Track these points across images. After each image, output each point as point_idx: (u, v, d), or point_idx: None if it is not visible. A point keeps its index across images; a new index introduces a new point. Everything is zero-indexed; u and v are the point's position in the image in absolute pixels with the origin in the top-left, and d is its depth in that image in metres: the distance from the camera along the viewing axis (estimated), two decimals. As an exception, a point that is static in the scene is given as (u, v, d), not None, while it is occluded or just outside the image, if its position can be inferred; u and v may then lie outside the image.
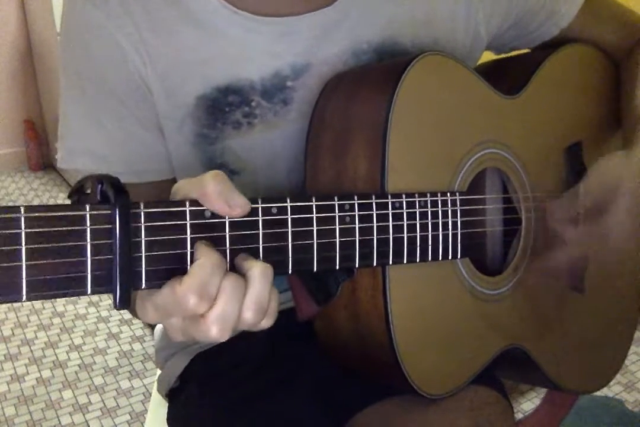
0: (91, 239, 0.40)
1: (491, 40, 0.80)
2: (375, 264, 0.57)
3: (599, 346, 0.88)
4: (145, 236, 0.43)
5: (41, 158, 3.47)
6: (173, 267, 0.44)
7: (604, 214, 0.69)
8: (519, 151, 0.74)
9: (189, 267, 0.45)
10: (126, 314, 2.14)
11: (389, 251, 0.58)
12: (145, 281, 0.43)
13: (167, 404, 0.88)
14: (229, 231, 0.46)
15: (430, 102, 0.65)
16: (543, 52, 0.82)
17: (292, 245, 0.50)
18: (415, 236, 0.60)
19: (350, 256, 0.55)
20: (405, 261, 0.60)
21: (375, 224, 0.56)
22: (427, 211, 0.61)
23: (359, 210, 0.55)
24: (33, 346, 1.99)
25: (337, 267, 0.54)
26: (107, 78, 0.67)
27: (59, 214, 0.39)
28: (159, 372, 0.92)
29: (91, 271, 0.40)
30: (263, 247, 0.48)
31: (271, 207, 0.49)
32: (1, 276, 0.37)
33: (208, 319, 0.44)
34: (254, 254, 0.48)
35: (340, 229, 0.54)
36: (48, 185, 3.31)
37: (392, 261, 0.59)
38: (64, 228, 0.39)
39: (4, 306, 2.19)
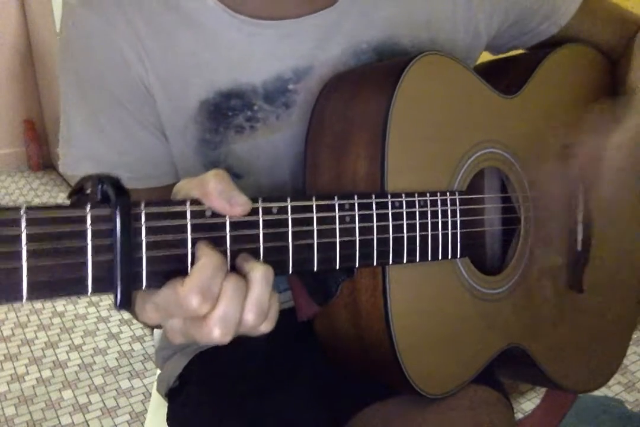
0: (92, 240, 0.40)
1: (490, 40, 0.81)
2: (375, 263, 0.57)
3: (597, 345, 0.88)
4: (146, 236, 0.43)
5: (41, 158, 3.47)
6: (174, 268, 0.44)
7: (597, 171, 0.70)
8: (518, 151, 0.74)
9: (189, 267, 0.45)
10: (126, 314, 2.14)
11: (389, 250, 0.58)
12: (146, 281, 0.43)
13: (167, 404, 0.88)
14: (230, 231, 0.46)
15: (429, 102, 0.65)
16: (541, 51, 0.83)
17: (293, 245, 0.50)
18: (415, 236, 0.60)
19: (350, 255, 0.55)
20: (405, 261, 0.60)
21: (375, 224, 0.56)
22: (427, 211, 0.61)
23: (358, 210, 0.55)
24: (33, 346, 1.99)
25: (337, 267, 0.54)
26: (109, 84, 0.67)
27: (60, 214, 0.39)
28: (159, 372, 0.92)
29: (92, 272, 0.40)
30: (263, 247, 0.48)
31: (271, 207, 0.49)
32: (2, 276, 0.37)
33: (210, 320, 0.43)
34: (255, 254, 0.48)
35: (340, 228, 0.54)
36: (48, 185, 3.31)
37: (392, 261, 0.59)
38: (65, 228, 0.39)
39: (4, 306, 2.19)
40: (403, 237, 0.59)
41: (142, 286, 0.43)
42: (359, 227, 0.55)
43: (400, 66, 0.63)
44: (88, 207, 0.40)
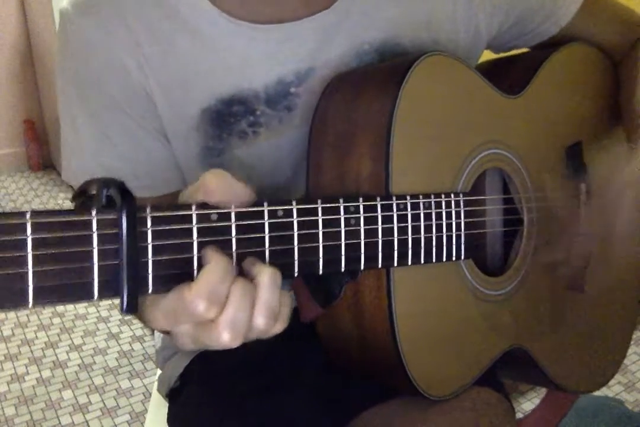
0: (98, 244, 0.40)
1: (491, 40, 0.80)
2: (380, 266, 0.57)
3: (598, 345, 0.88)
4: (152, 241, 0.42)
5: (41, 158, 3.46)
6: (180, 272, 0.44)
7: (608, 207, 0.69)
8: (521, 151, 0.74)
9: (195, 271, 0.45)
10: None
11: (394, 252, 0.58)
12: (152, 285, 0.43)
13: (167, 404, 0.88)
14: (235, 235, 0.46)
15: (433, 103, 0.65)
16: (544, 51, 0.83)
17: (298, 248, 0.50)
18: (420, 238, 0.60)
19: (355, 258, 0.55)
20: (409, 263, 0.60)
21: (380, 226, 0.56)
22: (432, 213, 0.61)
23: (364, 212, 0.55)
24: (33, 346, 1.99)
25: (342, 269, 0.54)
26: (111, 93, 0.67)
27: (65, 219, 0.39)
28: (159, 372, 0.92)
29: (98, 277, 0.40)
30: (269, 250, 0.48)
31: (277, 209, 0.49)
32: (7, 282, 0.37)
33: (219, 324, 0.43)
34: (260, 257, 0.48)
35: (345, 231, 0.54)
36: (48, 185, 3.31)
37: (397, 263, 0.59)
38: (70, 233, 0.39)
39: (4, 306, 2.19)
40: (408, 239, 0.59)
41: (148, 290, 0.43)
42: (364, 230, 0.55)
43: (404, 67, 0.63)
44: (94, 211, 0.40)
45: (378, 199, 0.56)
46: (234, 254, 0.47)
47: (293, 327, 0.69)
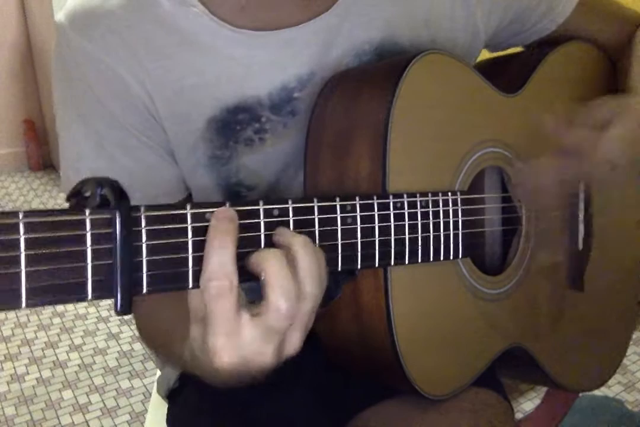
0: (91, 244, 0.40)
1: (489, 38, 0.80)
2: (377, 265, 0.57)
3: (598, 344, 0.88)
4: (146, 240, 0.42)
5: (41, 158, 3.47)
6: (175, 271, 0.44)
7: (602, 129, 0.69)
8: (519, 150, 0.74)
9: (190, 271, 0.45)
10: (126, 314, 2.14)
11: (391, 251, 0.58)
12: (147, 285, 0.43)
13: (167, 404, 0.88)
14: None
15: (431, 101, 0.65)
16: (542, 49, 0.82)
17: (294, 247, 0.50)
18: (417, 237, 0.60)
19: (352, 257, 0.55)
20: (407, 262, 0.60)
21: (377, 225, 0.56)
22: (429, 211, 0.61)
23: (360, 211, 0.55)
24: (33, 346, 1.99)
25: (339, 269, 0.54)
26: (111, 109, 0.67)
27: (59, 219, 0.39)
28: (159, 372, 0.92)
29: (92, 277, 0.40)
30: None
31: (273, 208, 0.48)
32: (0, 282, 0.37)
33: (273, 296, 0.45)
34: None
35: (342, 230, 0.53)
36: (48, 185, 3.31)
37: (394, 262, 0.59)
38: (64, 233, 0.39)
39: (4, 306, 2.19)
40: (405, 238, 0.59)
41: (142, 290, 0.42)
42: (361, 229, 0.55)
43: (401, 65, 0.62)
44: (87, 211, 0.40)
45: (375, 197, 0.56)
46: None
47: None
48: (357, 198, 0.55)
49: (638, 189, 0.89)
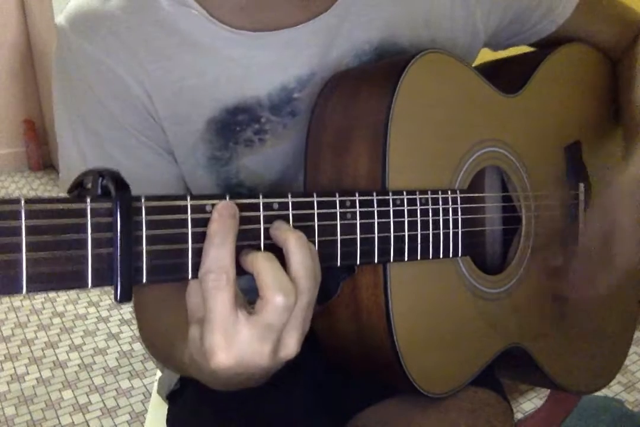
0: (92, 233, 0.40)
1: (489, 38, 0.80)
2: (376, 261, 0.57)
3: (599, 346, 0.88)
4: (146, 230, 0.43)
5: (41, 158, 3.47)
6: (174, 262, 0.44)
7: (608, 210, 0.69)
8: (519, 150, 0.74)
9: (190, 262, 0.45)
10: (126, 314, 2.14)
11: (390, 248, 0.58)
12: (146, 275, 0.43)
13: (167, 405, 0.88)
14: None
15: (430, 100, 0.65)
16: (542, 51, 0.83)
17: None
18: (416, 234, 0.60)
19: (351, 253, 0.55)
20: (406, 259, 0.60)
21: (376, 221, 0.56)
22: (428, 209, 0.61)
23: (359, 207, 0.55)
24: (33, 346, 1.99)
25: (338, 264, 0.54)
26: (111, 110, 0.67)
27: (60, 207, 0.39)
28: (159, 372, 0.92)
29: (92, 265, 0.40)
30: (264, 243, 0.48)
31: (272, 202, 0.49)
32: (1, 268, 0.37)
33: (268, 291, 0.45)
34: (255, 249, 0.48)
35: (341, 225, 0.53)
36: (48, 185, 3.31)
37: (393, 259, 0.59)
38: (65, 221, 0.39)
39: (4, 306, 2.19)
40: (404, 235, 0.59)
41: (142, 279, 0.43)
42: (360, 224, 0.55)
43: (401, 64, 0.63)
44: (88, 200, 0.40)
45: (374, 193, 0.56)
46: None
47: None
48: (357, 194, 0.55)
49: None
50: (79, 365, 1.89)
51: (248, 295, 0.48)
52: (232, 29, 0.66)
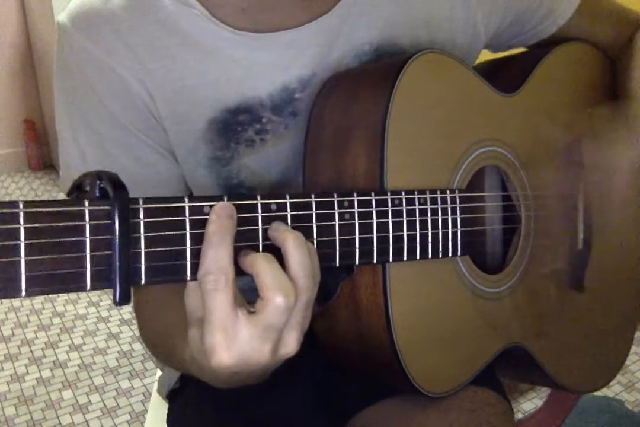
0: (90, 235, 0.40)
1: (489, 39, 0.80)
2: (375, 261, 0.57)
3: (599, 345, 0.87)
4: (145, 232, 0.43)
5: (41, 158, 3.47)
6: (172, 264, 0.44)
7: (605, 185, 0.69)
8: (518, 149, 0.74)
9: (188, 264, 0.45)
10: (126, 314, 2.14)
11: (389, 248, 0.58)
12: (145, 277, 0.43)
13: (167, 404, 0.88)
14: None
15: (428, 100, 0.65)
16: (541, 50, 0.83)
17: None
18: (415, 233, 0.60)
19: (350, 253, 0.55)
20: (405, 259, 0.60)
21: (375, 221, 0.56)
22: (427, 208, 0.61)
23: (358, 207, 0.55)
24: (33, 346, 1.99)
25: (337, 264, 0.54)
26: (112, 109, 0.67)
27: (58, 209, 0.39)
28: (159, 372, 0.92)
29: (90, 267, 0.40)
30: (263, 244, 0.49)
31: (270, 203, 0.49)
32: (0, 271, 0.37)
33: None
34: (254, 250, 0.48)
35: (339, 225, 0.54)
36: (48, 185, 3.31)
37: (392, 259, 0.59)
38: (63, 224, 0.39)
39: (4, 306, 2.19)
40: (403, 235, 0.59)
41: (140, 281, 0.43)
42: (359, 225, 0.55)
43: (398, 64, 0.63)
44: (86, 202, 0.40)
45: (372, 193, 0.56)
46: None
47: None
48: (355, 194, 0.55)
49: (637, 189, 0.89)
50: (79, 365, 1.89)
51: (247, 295, 0.48)
52: (234, 30, 0.66)
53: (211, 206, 0.46)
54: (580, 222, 0.81)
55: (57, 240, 0.39)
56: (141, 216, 0.42)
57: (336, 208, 0.53)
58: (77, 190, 0.43)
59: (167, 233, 0.44)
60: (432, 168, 0.65)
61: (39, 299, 2.24)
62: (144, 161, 0.69)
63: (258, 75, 0.68)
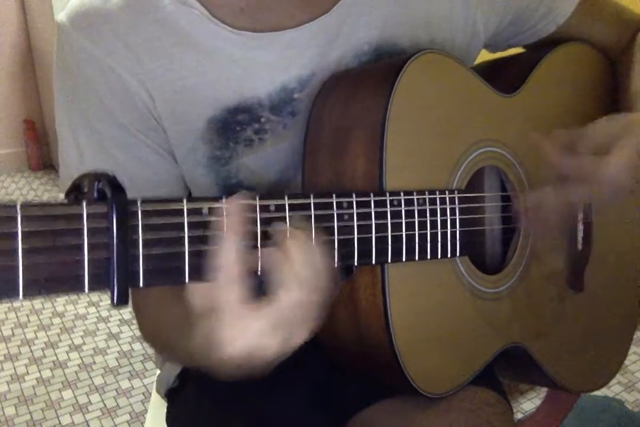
0: (88, 237, 0.40)
1: (488, 39, 0.80)
2: (374, 262, 0.57)
3: (599, 345, 0.87)
4: (143, 234, 0.43)
5: (41, 158, 3.47)
6: (171, 266, 0.44)
7: (605, 154, 0.68)
8: (517, 149, 0.74)
9: (187, 265, 0.45)
10: (126, 314, 2.14)
11: (388, 249, 0.58)
12: (143, 279, 0.43)
13: (166, 403, 0.88)
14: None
15: (427, 101, 0.65)
16: (540, 50, 0.82)
17: (291, 243, 0.50)
18: (414, 234, 0.60)
19: (349, 253, 0.55)
20: (404, 259, 0.60)
21: (373, 222, 0.56)
22: (426, 209, 0.61)
23: (357, 208, 0.55)
24: (33, 346, 1.99)
25: (336, 265, 0.54)
26: (111, 109, 0.67)
27: (56, 211, 0.39)
28: (158, 372, 0.92)
29: (88, 270, 0.40)
30: (262, 245, 0.48)
31: (269, 204, 0.49)
32: None
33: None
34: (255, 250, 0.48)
35: (338, 226, 0.53)
36: (48, 185, 3.31)
37: (391, 259, 0.59)
38: (61, 226, 0.39)
39: (4, 306, 2.19)
40: (402, 235, 0.59)
41: (139, 283, 0.43)
42: (358, 225, 0.55)
43: (398, 65, 0.63)
44: (84, 204, 0.40)
45: (371, 194, 0.56)
46: None
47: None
48: (354, 195, 0.55)
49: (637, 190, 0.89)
50: (79, 365, 1.89)
51: (254, 291, 0.49)
52: (233, 30, 0.66)
53: (209, 207, 0.46)
54: (579, 222, 0.81)
55: (55, 243, 0.39)
56: (139, 218, 0.42)
57: (335, 209, 0.53)
58: (76, 191, 0.43)
59: (165, 235, 0.44)
60: (432, 168, 0.65)
61: (39, 299, 2.24)
62: (144, 161, 0.69)
63: (257, 75, 0.68)
